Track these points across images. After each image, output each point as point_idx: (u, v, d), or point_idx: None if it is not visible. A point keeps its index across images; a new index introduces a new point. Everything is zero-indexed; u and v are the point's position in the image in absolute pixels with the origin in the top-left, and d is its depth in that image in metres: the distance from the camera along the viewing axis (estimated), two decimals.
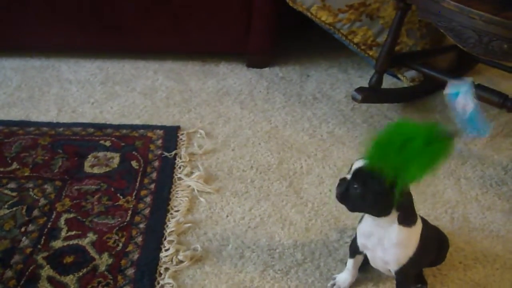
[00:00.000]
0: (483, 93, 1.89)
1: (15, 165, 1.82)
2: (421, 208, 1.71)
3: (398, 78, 2.33)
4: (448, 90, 1.04)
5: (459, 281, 1.52)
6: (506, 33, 1.64)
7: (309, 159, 1.90)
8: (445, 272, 1.54)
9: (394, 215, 1.27)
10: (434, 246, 1.45)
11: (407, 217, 1.30)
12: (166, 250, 1.55)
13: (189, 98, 2.20)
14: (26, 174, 1.79)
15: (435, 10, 1.77)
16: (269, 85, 2.23)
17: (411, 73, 2.29)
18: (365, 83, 2.15)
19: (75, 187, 1.75)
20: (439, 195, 1.78)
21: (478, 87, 1.90)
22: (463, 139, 1.07)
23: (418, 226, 1.34)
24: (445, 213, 1.71)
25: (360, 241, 1.40)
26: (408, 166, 1.14)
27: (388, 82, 2.29)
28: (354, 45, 2.26)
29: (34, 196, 1.71)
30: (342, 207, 1.59)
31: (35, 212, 1.65)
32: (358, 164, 1.28)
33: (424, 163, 1.13)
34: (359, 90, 2.09)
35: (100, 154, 1.89)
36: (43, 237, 1.57)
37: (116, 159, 1.87)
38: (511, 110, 1.86)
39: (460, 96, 1.03)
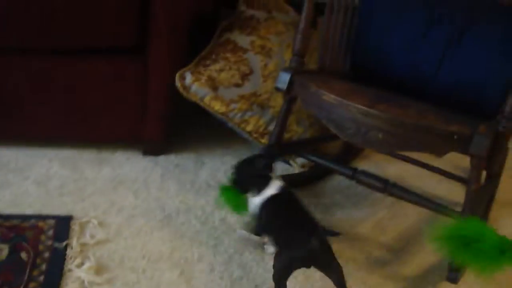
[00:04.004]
0: (366, 179, 2.00)
1: None
2: None
3: (290, 164, 2.42)
4: None
5: None
6: (380, 123, 1.76)
7: (201, 247, 1.92)
8: None
9: None
10: None
11: None
12: None
13: (83, 186, 2.20)
14: None
15: (317, 102, 1.89)
16: (164, 173, 2.27)
17: (302, 160, 2.38)
18: None
19: None
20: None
21: (361, 173, 2.01)
22: None
23: None
24: None
25: None
26: (476, 261, 1.29)
27: (280, 168, 2.37)
28: (247, 134, 2.35)
29: None
30: None
31: None
32: None
33: (492, 265, 1.28)
34: None
35: None
36: None
37: (4, 250, 1.83)
38: (392, 194, 1.97)
39: None
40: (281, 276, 1.63)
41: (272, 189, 1.83)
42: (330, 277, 1.66)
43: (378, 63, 2.20)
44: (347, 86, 2.01)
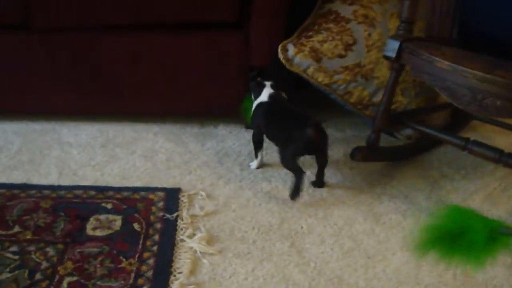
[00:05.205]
0: (479, 149, 1.92)
1: (17, 228, 1.83)
2: (424, 266, 1.72)
3: (395, 136, 2.36)
4: None
5: None
6: (499, 90, 1.68)
7: (310, 219, 1.91)
8: None
9: None
10: None
11: None
12: None
13: (189, 160, 2.23)
14: (28, 237, 1.79)
15: (429, 70, 1.82)
16: (268, 146, 2.25)
17: (407, 131, 2.32)
18: (362, 142, 2.18)
19: (78, 250, 1.75)
20: None
21: (474, 143, 1.93)
22: None
23: None
24: (447, 270, 1.72)
25: None
26: (465, 255, 1.26)
27: (385, 140, 2.32)
28: (351, 105, 2.30)
29: (36, 259, 1.71)
30: (346, 266, 1.62)
31: (38, 276, 1.64)
32: None
33: (483, 256, 1.24)
34: (357, 149, 2.12)
35: (102, 216, 1.89)
36: None
37: (118, 221, 1.88)
38: (507, 165, 1.89)
39: None
40: (288, 162, 1.99)
41: (263, 96, 2.16)
42: (318, 159, 2.04)
43: (488, 28, 2.11)
44: (460, 53, 1.94)
